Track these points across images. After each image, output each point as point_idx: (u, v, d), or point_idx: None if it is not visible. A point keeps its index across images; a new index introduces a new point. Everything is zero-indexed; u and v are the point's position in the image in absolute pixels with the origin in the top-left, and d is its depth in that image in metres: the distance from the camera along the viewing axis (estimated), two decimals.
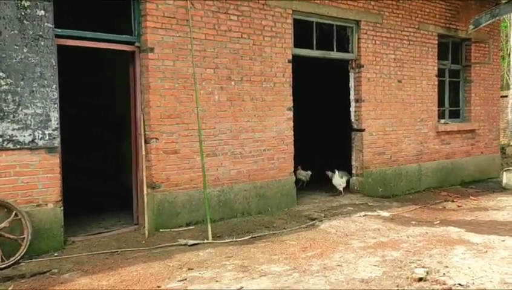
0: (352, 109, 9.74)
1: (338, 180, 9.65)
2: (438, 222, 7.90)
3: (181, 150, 7.04)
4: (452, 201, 9.70)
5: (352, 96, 9.72)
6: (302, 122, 11.96)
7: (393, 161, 10.21)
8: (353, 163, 9.80)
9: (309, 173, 10.56)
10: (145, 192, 6.67)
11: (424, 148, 10.87)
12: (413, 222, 7.82)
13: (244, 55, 7.74)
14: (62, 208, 6.04)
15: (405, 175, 10.47)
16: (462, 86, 12.10)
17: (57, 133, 5.95)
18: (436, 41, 11.03)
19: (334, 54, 9.32)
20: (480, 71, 12.21)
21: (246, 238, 6.73)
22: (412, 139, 10.58)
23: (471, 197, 10.15)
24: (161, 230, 6.79)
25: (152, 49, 6.72)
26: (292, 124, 8.46)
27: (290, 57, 8.39)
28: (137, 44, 6.77)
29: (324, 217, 7.91)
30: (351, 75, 9.70)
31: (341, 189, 9.64)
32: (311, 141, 13.28)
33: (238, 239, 6.64)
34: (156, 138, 6.78)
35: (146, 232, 6.53)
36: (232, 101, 7.62)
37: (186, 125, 7.08)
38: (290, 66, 8.39)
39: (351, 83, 9.70)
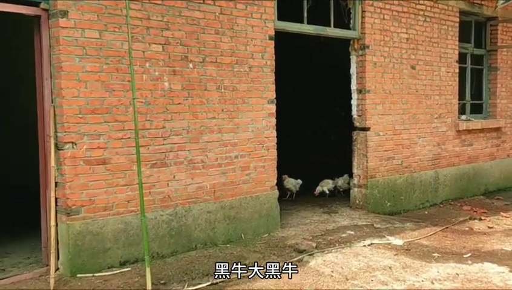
0: (354, 102, 7.67)
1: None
2: (468, 254, 5.86)
3: (113, 159, 4.96)
4: (480, 219, 7.65)
5: (354, 86, 7.64)
6: (292, 118, 9.91)
7: (404, 167, 8.14)
8: (355, 171, 7.73)
9: (299, 182, 8.53)
10: (52, 221, 4.59)
11: (442, 150, 8.81)
12: (436, 255, 5.78)
13: (208, 28, 5.65)
14: None
15: (419, 185, 8.41)
16: (485, 74, 10.00)
17: None
18: (457, 19, 8.93)
19: (332, 31, 7.23)
20: (507, 57, 10.10)
21: (203, 286, 4.68)
22: (428, 140, 8.51)
23: (501, 213, 8.10)
24: (79, 275, 4.72)
25: (65, 13, 4.62)
26: (274, 121, 6.38)
27: (273, 33, 6.30)
28: (43, 5, 4.67)
29: (316, 247, 5.84)
30: (353, 59, 7.61)
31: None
32: (303, 142, 11.25)
33: (190, 288, 4.61)
34: (73, 142, 4.70)
35: (52, 281, 4.46)
36: (190, 91, 5.54)
37: (121, 124, 5.01)
38: (272, 44, 6.30)
39: (353, 69, 7.62)
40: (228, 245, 5.86)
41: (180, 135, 5.46)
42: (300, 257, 5.52)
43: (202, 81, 5.63)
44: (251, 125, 6.11)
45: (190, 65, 5.52)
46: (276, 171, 6.43)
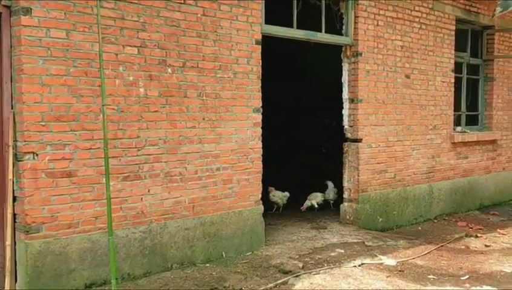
0: (345, 112, 7.27)
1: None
2: (466, 276, 5.46)
3: (80, 172, 4.52)
4: (476, 236, 7.27)
5: (346, 95, 7.24)
6: (279, 128, 9.52)
7: (397, 181, 7.75)
8: (345, 184, 7.31)
9: (286, 194, 8.11)
10: (8, 240, 4.14)
11: (436, 163, 8.43)
12: (431, 277, 5.37)
13: (189, 30, 5.23)
14: None
15: (413, 199, 8.02)
16: (481, 85, 9.66)
17: None
18: (454, 27, 8.59)
19: (323, 37, 6.83)
20: (504, 67, 9.78)
21: None
22: (422, 152, 8.13)
23: (498, 230, 7.71)
24: None
25: (28, 11, 4.19)
26: (260, 131, 5.96)
27: (259, 37, 5.90)
28: (5, 2, 4.24)
29: (303, 268, 5.41)
30: (345, 66, 7.22)
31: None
32: (294, 144, 10.81)
33: None
34: (34, 153, 4.25)
35: None
36: (168, 98, 5.11)
37: (89, 133, 4.56)
38: (258, 49, 5.89)
39: (345, 77, 7.23)
40: (208, 265, 5.42)
41: (156, 145, 5.03)
42: (285, 279, 5.09)
43: (182, 87, 5.20)
44: (235, 135, 5.69)
45: (169, 70, 5.09)
46: (261, 185, 6.01)
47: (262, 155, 6.00)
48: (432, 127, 8.28)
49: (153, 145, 5.00)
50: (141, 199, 4.93)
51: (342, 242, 6.47)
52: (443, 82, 8.44)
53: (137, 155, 4.89)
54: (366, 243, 6.46)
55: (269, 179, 7.21)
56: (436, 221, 8.32)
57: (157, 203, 5.04)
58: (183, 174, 5.25)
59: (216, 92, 5.50)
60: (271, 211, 8.05)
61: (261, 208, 6.01)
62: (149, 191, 4.98)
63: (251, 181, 5.87)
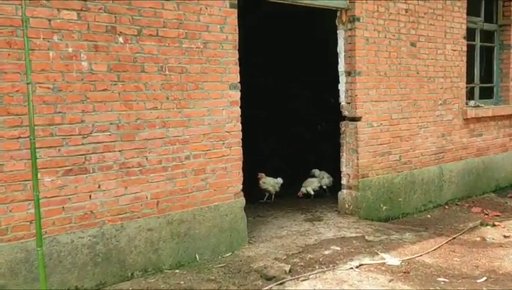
0: (342, 87, 6.36)
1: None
2: (483, 278, 4.59)
3: (7, 166, 3.67)
4: (493, 225, 6.39)
5: (342, 67, 6.31)
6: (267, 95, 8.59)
7: (403, 163, 6.85)
8: (343, 169, 6.43)
9: (279, 181, 7.25)
10: None
11: (447, 142, 7.51)
12: (442, 280, 4.52)
13: None
14: None
15: (420, 183, 7.12)
16: (497, 53, 8.65)
17: None
18: None
19: (313, 0, 5.89)
20: None
21: None
22: (431, 130, 7.21)
23: None
24: None
25: None
26: (238, 111, 5.07)
27: None
28: None
29: (290, 271, 4.57)
30: (341, 34, 6.28)
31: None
32: (282, 124, 9.87)
33: None
34: None
35: None
36: (121, 73, 4.22)
37: (17, 119, 3.71)
38: (234, 13, 4.97)
39: (341, 46, 6.29)
40: (177, 271, 4.58)
41: (107, 131, 4.16)
42: (267, 287, 4.25)
43: (137, 60, 4.31)
44: (207, 116, 4.81)
45: (120, 39, 4.19)
46: (241, 174, 5.13)
47: (244, 124, 5.13)
48: (442, 101, 7.34)
49: (103, 132, 4.13)
50: (90, 196, 4.08)
51: (338, 237, 5.61)
52: (454, 50, 7.46)
53: (82, 144, 4.02)
54: (367, 237, 5.60)
55: (255, 147, 6.41)
56: (447, 207, 7.44)
57: (110, 200, 4.19)
58: (143, 165, 4.39)
59: (183, 65, 4.60)
60: (262, 200, 7.22)
61: (242, 201, 5.15)
62: (99, 186, 4.12)
63: (229, 170, 5.00)
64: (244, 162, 5.17)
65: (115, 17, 4.15)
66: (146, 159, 4.40)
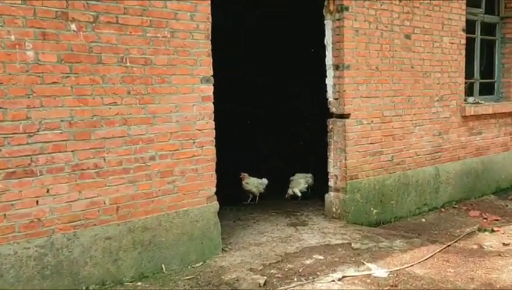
0: (329, 81, 5.91)
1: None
2: None
3: None
4: (492, 231, 5.96)
5: (329, 60, 5.87)
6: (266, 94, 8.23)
7: (395, 164, 6.40)
8: (331, 170, 5.99)
9: (263, 181, 6.82)
10: None
11: (444, 141, 7.06)
12: None
13: None
14: None
15: (415, 185, 6.68)
16: (498, 47, 8.18)
17: None
18: None
19: None
20: None
21: None
22: (426, 128, 6.76)
23: None
24: None
25: None
26: (211, 108, 4.63)
27: None
28: None
29: (265, 285, 4.14)
30: (328, 25, 5.84)
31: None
32: (281, 123, 9.49)
33: None
34: None
35: None
36: (74, 64, 3.78)
37: None
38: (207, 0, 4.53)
39: (328, 38, 5.85)
40: (139, 283, 4.16)
41: (57, 129, 3.72)
42: None
43: (93, 50, 3.87)
44: (175, 113, 4.37)
45: (73, 26, 3.75)
46: (214, 176, 4.70)
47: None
48: (438, 98, 6.88)
49: (52, 130, 3.69)
50: (37, 202, 3.65)
51: (322, 244, 5.17)
52: (452, 44, 7.00)
53: (28, 143, 3.59)
54: (353, 244, 5.16)
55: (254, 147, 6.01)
56: (443, 210, 7.01)
57: (61, 207, 3.76)
58: (101, 167, 3.96)
59: (147, 56, 4.16)
60: (246, 202, 6.79)
61: (215, 205, 4.71)
62: (48, 191, 3.69)
63: (200, 172, 4.57)
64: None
65: (67, 1, 3.71)
66: (104, 160, 3.97)
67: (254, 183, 6.71)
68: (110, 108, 3.98)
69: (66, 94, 3.74)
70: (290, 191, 6.90)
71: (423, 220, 6.54)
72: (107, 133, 3.97)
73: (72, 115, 3.79)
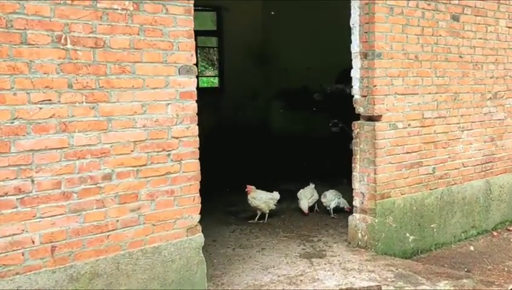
0: (356, 74, 4.67)
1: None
2: None
3: None
4: None
5: (356, 47, 4.62)
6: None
7: (438, 178, 5.11)
8: (356, 187, 4.73)
9: (274, 196, 5.59)
10: None
11: (498, 149, 5.74)
12: None
13: None
14: None
15: (461, 203, 5.38)
16: None
17: None
18: None
19: None
20: None
21: None
22: (476, 133, 5.45)
23: None
24: None
25: None
26: (193, 107, 3.43)
27: None
28: None
29: None
30: (355, 3, 4.57)
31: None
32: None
33: None
34: None
35: None
36: None
37: None
38: None
39: (355, 18, 4.60)
40: None
41: None
42: None
43: (14, 25, 2.70)
44: (141, 115, 3.18)
45: None
46: (198, 199, 3.50)
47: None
48: (491, 95, 5.57)
49: None
50: None
51: (343, 288, 3.92)
52: (510, 28, 5.68)
53: None
54: (384, 288, 3.89)
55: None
56: (495, 234, 5.72)
57: None
58: (27, 191, 2.79)
59: (98, 36, 2.98)
60: (252, 220, 5.59)
61: (199, 238, 3.51)
62: None
63: (178, 194, 3.37)
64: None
65: None
66: (32, 181, 2.81)
67: (263, 199, 5.49)
68: (41, 108, 2.81)
69: None
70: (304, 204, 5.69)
71: (472, 248, 5.24)
72: (36, 144, 2.81)
73: None
